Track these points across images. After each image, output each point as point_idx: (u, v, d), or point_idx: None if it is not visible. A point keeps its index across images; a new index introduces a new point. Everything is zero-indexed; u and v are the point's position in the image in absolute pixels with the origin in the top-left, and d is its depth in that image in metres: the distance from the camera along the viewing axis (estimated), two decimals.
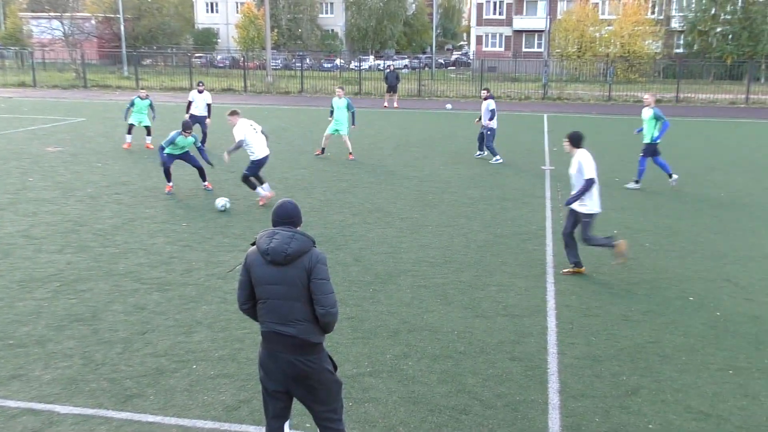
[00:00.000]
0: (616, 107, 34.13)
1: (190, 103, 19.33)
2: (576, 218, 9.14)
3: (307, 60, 56.33)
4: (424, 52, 72.48)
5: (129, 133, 19.19)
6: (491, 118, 17.85)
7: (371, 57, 64.94)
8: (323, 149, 18.67)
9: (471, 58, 67.03)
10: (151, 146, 18.97)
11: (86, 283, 8.72)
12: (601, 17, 57.07)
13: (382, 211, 12.61)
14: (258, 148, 12.68)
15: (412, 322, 7.68)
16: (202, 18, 77.41)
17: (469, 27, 79.09)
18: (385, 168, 16.96)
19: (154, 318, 7.68)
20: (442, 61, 69.67)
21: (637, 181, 14.84)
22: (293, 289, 4.34)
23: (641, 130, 14.94)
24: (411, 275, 9.22)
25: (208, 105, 19.33)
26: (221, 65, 58.08)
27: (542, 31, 63.00)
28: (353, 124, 18.82)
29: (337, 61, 59.61)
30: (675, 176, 14.85)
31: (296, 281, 4.33)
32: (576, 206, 9.06)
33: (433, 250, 10.36)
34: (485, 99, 18.09)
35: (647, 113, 14.53)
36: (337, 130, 18.31)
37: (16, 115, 26.76)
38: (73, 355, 6.73)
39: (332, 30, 74.41)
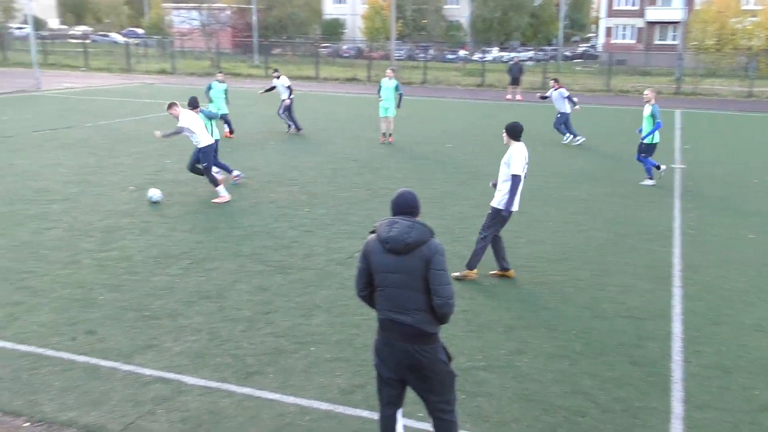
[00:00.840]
0: (758, 104, 32.09)
1: (272, 87, 20.89)
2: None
3: (431, 51, 56.38)
4: (549, 44, 70.79)
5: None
6: (573, 105, 19.43)
7: (495, 48, 64.13)
8: (384, 134, 19.17)
9: (599, 50, 64.88)
10: (230, 135, 19.36)
11: (214, 262, 9.16)
12: (744, 8, 53.67)
13: None
14: (203, 137, 12.29)
15: (528, 319, 7.57)
16: (330, 9, 78.99)
17: (598, 18, 76.54)
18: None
19: (275, 299, 7.97)
20: (568, 54, 67.79)
21: (650, 178, 14.42)
22: (411, 279, 4.37)
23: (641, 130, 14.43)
24: (527, 271, 9.08)
25: (288, 87, 20.40)
26: (346, 55, 59.11)
27: (677, 22, 60.01)
28: (398, 106, 19.09)
29: (461, 52, 59.29)
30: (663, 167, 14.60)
31: (414, 271, 4.36)
32: (495, 201, 8.62)
33: (550, 246, 10.15)
34: (556, 89, 19.44)
35: (647, 110, 14.06)
36: (386, 109, 18.88)
37: (156, 100, 28.36)
38: (200, 330, 7.10)
39: (457, 21, 73.99)
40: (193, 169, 12.85)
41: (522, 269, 9.12)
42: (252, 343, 6.83)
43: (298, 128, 20.47)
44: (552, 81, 20.18)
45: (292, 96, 20.50)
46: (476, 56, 55.87)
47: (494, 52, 60.98)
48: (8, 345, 6.65)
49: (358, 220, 11.26)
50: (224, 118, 19.05)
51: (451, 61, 55.51)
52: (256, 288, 8.29)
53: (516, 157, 8.38)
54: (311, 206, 12.10)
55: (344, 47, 63.08)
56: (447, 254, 4.49)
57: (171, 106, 12.28)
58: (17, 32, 62.59)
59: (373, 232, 4.57)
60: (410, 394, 4.90)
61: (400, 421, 4.80)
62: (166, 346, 6.73)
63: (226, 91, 19.23)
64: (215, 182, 12.29)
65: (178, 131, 12.26)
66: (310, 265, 9.13)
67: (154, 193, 12.05)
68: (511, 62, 34.06)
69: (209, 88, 18.97)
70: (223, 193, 12.22)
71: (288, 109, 20.50)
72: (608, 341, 7.05)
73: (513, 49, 62.36)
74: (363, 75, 41.78)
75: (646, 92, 14.44)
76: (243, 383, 6.07)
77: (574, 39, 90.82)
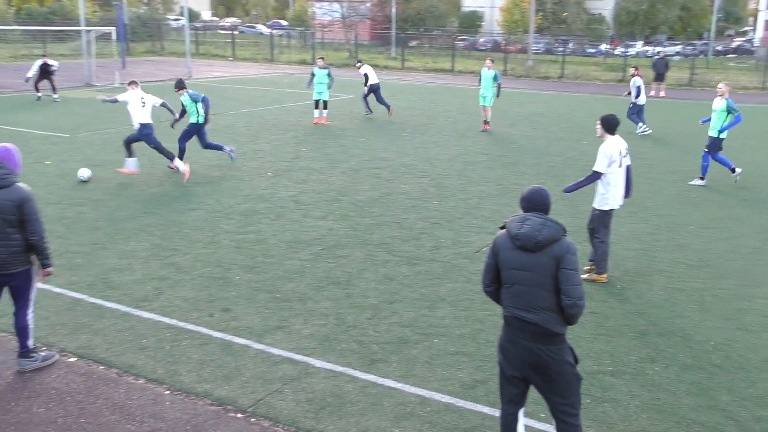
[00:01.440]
0: None
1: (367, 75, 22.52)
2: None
3: (570, 44, 54.82)
4: (700, 38, 66.95)
5: (316, 108, 20.45)
6: (637, 95, 19.79)
7: (639, 42, 61.41)
8: (485, 122, 19.83)
9: (755, 45, 60.63)
10: (327, 122, 20.14)
11: (344, 249, 9.38)
12: None
13: (637, 205, 11.96)
14: (138, 117, 12.94)
15: (662, 326, 7.23)
16: (469, 1, 78.51)
17: (756, 10, 71.52)
18: (645, 161, 16.04)
19: (401, 289, 8.06)
20: (720, 48, 63.86)
21: (701, 178, 13.84)
22: (540, 277, 4.30)
23: (708, 120, 13.72)
24: (665, 276, 8.67)
25: (365, 75, 22.49)
26: (483, 48, 58.59)
27: None
28: (497, 96, 19.72)
29: (602, 46, 57.26)
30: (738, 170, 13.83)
31: (544, 269, 4.28)
32: (596, 202, 8.28)
33: (691, 251, 9.64)
34: (633, 76, 20.20)
35: (719, 104, 13.24)
36: (484, 98, 19.64)
37: (296, 90, 29.34)
38: (328, 315, 7.30)
39: (599, 14, 71.46)
40: (206, 146, 13.86)
41: (659, 274, 8.73)
42: (377, 331, 6.95)
43: (378, 108, 22.79)
44: (632, 68, 21.03)
45: (368, 83, 22.36)
46: (618, 50, 53.75)
47: (638, 47, 58.44)
48: (154, 317, 7.12)
49: (487, 215, 11.17)
50: (320, 103, 20.43)
51: (591, 55, 53.76)
52: (382, 277, 8.42)
53: (603, 153, 8.10)
54: (441, 199, 12.13)
55: (481, 40, 62.55)
56: (579, 254, 4.38)
57: (130, 83, 13.34)
58: (173, 24, 66.58)
59: (503, 227, 4.53)
60: (533, 394, 4.83)
61: (522, 421, 4.73)
62: (295, 328, 6.98)
63: (329, 75, 20.31)
64: (171, 156, 13.14)
65: (114, 101, 13.31)
66: (437, 258, 9.16)
67: (84, 173, 12.67)
68: (656, 57, 32.53)
69: (312, 74, 20.27)
70: (182, 168, 12.94)
71: (368, 93, 22.63)
72: (751, 356, 6.62)
73: (659, 43, 59.41)
74: (499, 68, 41.15)
75: (720, 86, 13.66)
76: (367, 370, 6.19)
77: (728, 33, 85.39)
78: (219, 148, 14.16)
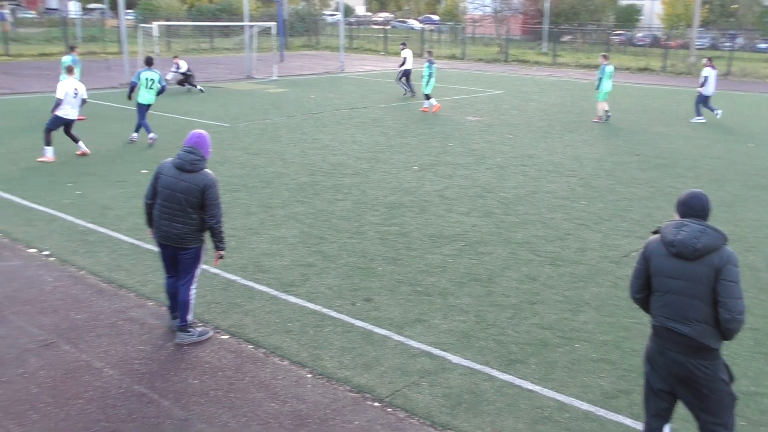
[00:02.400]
0: None
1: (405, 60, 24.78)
2: None
3: (739, 39, 51.24)
4: None
5: (428, 98, 21.36)
6: (703, 84, 20.24)
7: None
8: (605, 115, 20.28)
9: None
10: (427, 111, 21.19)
11: (486, 246, 9.32)
12: None
13: None
14: (66, 109, 13.43)
15: None
16: None
17: None
18: None
19: (544, 290, 7.90)
20: None
21: None
22: (696, 287, 4.07)
23: None
24: None
25: (404, 59, 24.84)
26: (640, 43, 55.98)
27: None
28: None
29: None
30: None
31: (701, 279, 4.05)
32: None
33: None
34: (706, 66, 20.55)
35: None
36: (607, 94, 20.15)
37: (444, 85, 29.39)
38: (468, 312, 7.29)
39: None
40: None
41: None
42: (517, 332, 6.86)
43: (411, 92, 25.02)
44: (706, 60, 21.26)
45: (403, 67, 24.90)
46: None
47: None
48: (300, 302, 7.41)
49: (638, 218, 10.70)
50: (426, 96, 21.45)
51: (762, 51, 49.97)
52: (525, 277, 8.29)
53: None
54: (589, 199, 11.75)
55: (639, 35, 59.78)
56: (740, 264, 4.11)
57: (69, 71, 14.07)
58: (329, 19, 68.63)
59: (656, 232, 4.32)
60: (681, 410, 4.59)
61: None
62: (434, 322, 7.02)
63: (429, 67, 21.39)
64: (47, 141, 13.57)
65: (57, 103, 13.49)
66: (582, 260, 8.89)
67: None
68: None
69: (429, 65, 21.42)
70: (49, 155, 13.43)
71: (404, 76, 25.15)
72: None
73: None
74: (657, 65, 39.31)
75: None
76: (505, 370, 6.13)
77: None
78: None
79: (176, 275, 6.51)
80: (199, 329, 6.62)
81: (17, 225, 9.61)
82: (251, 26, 32.37)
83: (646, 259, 4.31)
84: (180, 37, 46.11)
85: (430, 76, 21.30)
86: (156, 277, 7.89)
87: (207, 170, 6.22)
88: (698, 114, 20.73)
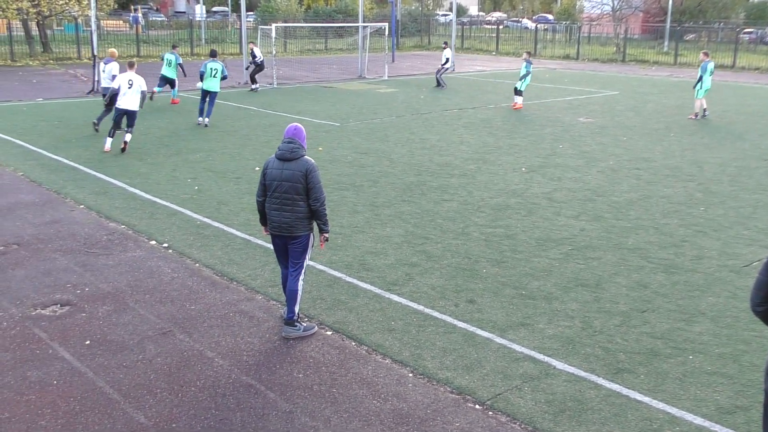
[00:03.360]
0: None
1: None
2: None
3: None
4: None
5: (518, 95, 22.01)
6: None
7: None
8: (701, 112, 20.25)
9: None
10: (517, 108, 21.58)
11: (595, 251, 9.06)
12: None
13: None
14: (124, 100, 14.32)
15: None
16: None
17: None
18: None
19: (655, 298, 7.59)
20: None
21: None
22: None
23: None
24: None
25: (447, 58, 27.28)
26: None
27: None
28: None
29: None
30: None
31: None
32: None
33: None
34: None
35: None
36: (706, 91, 20.10)
37: (557, 86, 28.79)
38: (574, 317, 7.11)
39: None
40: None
41: None
42: (625, 340, 6.63)
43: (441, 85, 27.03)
44: None
45: (446, 65, 27.34)
46: None
47: None
48: (403, 301, 7.46)
49: (762, 227, 10.09)
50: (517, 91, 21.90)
51: None
52: (635, 283, 7.99)
53: None
54: (708, 205, 11.19)
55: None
56: None
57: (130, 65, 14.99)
58: (441, 19, 68.63)
59: None
60: None
61: None
62: (539, 327, 6.89)
63: (526, 66, 21.58)
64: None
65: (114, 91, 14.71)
66: (699, 268, 8.48)
67: None
68: None
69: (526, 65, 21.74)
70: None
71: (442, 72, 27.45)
72: None
73: None
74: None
75: None
76: (612, 378, 5.94)
77: None
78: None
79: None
80: (305, 324, 6.81)
81: (141, 218, 10.18)
82: (364, 27, 32.84)
83: None
84: (296, 38, 47.39)
85: (527, 74, 21.65)
86: (265, 272, 8.16)
87: (307, 157, 6.55)
88: None
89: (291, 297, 6.66)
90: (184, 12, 70.63)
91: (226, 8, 63.56)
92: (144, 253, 8.80)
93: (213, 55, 18.79)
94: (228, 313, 7.17)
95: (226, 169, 13.22)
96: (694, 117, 20.25)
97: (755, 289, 4.17)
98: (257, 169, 13.03)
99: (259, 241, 9.14)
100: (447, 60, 27.42)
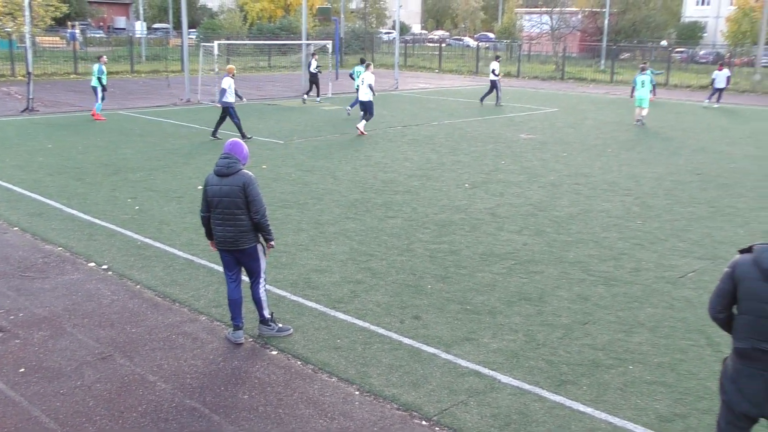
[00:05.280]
0: None
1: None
2: None
3: None
4: None
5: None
6: None
7: None
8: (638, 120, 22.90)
9: None
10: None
11: (537, 265, 9.20)
12: None
13: None
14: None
15: None
16: (691, 11, 73.94)
17: None
18: None
19: (596, 311, 7.75)
20: None
21: None
22: None
23: None
24: None
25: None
26: (703, 61, 54.78)
27: None
28: (654, 93, 23.62)
29: None
30: None
31: None
32: None
33: None
34: None
35: None
36: (641, 100, 22.57)
37: (499, 103, 29.26)
38: (518, 331, 7.20)
39: None
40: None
41: None
42: (568, 352, 6.74)
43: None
44: None
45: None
46: None
47: None
48: (349, 318, 7.43)
49: (696, 238, 10.42)
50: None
51: None
52: (576, 296, 8.15)
53: None
54: (645, 219, 11.51)
55: (701, 52, 58.52)
56: None
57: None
58: (385, 37, 69.21)
59: (744, 251, 4.18)
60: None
61: None
62: (483, 341, 6.95)
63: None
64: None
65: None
66: (637, 280, 8.70)
67: None
68: None
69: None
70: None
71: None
72: None
73: None
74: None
75: None
76: (555, 390, 6.03)
77: None
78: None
79: (236, 280, 6.84)
80: (279, 325, 7.02)
81: (79, 240, 9.92)
82: (308, 44, 32.88)
83: (734, 281, 4.15)
84: (240, 56, 47.12)
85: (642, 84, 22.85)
86: (209, 292, 8.04)
87: (244, 170, 6.59)
88: None
89: (257, 304, 6.91)
90: (124, 28, 69.55)
91: (167, 25, 62.79)
92: (82, 276, 8.57)
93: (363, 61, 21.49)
94: (170, 335, 7.03)
95: (168, 188, 13.01)
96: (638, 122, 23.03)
97: (716, 297, 4.27)
98: (200, 187, 12.84)
99: (203, 261, 9.00)
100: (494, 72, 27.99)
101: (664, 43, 60.10)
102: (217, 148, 16.59)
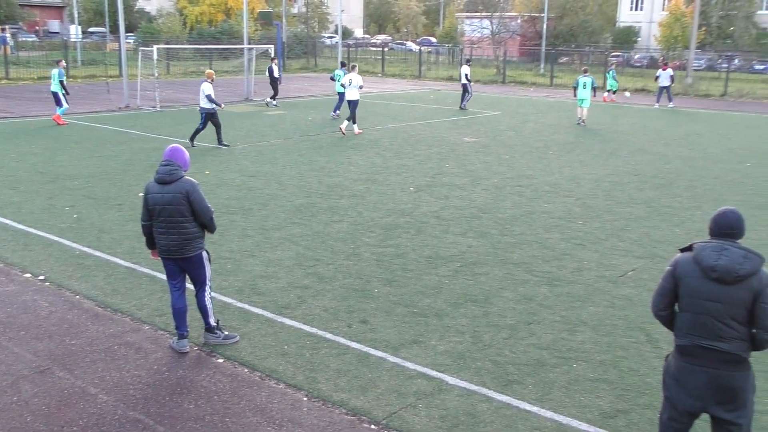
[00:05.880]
0: None
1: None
2: None
3: (736, 61, 51.55)
4: None
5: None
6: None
7: None
8: (579, 119, 24.27)
9: None
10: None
11: (483, 267, 9.30)
12: None
13: None
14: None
15: None
16: (625, 16, 75.86)
17: None
18: None
19: (540, 311, 7.88)
20: None
21: None
22: (733, 309, 4.06)
23: None
24: None
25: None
26: (638, 64, 56.35)
27: None
28: (594, 95, 24.73)
29: None
30: None
31: (739, 302, 4.04)
32: None
33: None
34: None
35: None
36: (582, 101, 23.97)
37: (442, 106, 29.54)
38: (464, 332, 7.26)
39: None
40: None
41: None
42: (513, 352, 6.83)
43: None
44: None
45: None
46: None
47: None
48: (296, 324, 7.38)
49: (635, 238, 10.70)
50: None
51: (759, 72, 50.26)
52: (521, 297, 8.27)
53: None
54: (586, 219, 11.76)
55: (636, 56, 60.18)
56: None
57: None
58: (327, 41, 69.10)
59: (685, 249, 4.28)
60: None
61: None
62: (431, 343, 6.99)
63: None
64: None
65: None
66: (579, 280, 8.88)
67: None
68: None
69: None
70: None
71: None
72: None
73: None
74: (654, 86, 39.45)
75: None
76: (502, 390, 6.10)
77: None
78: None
79: (180, 289, 6.72)
80: (225, 332, 6.89)
81: (14, 250, 9.61)
82: (250, 49, 32.58)
83: (676, 279, 4.25)
84: (180, 60, 46.41)
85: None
86: (152, 301, 7.88)
87: (186, 177, 6.46)
88: None
89: (203, 312, 6.77)
90: (58, 32, 67.72)
91: (103, 29, 61.40)
92: (17, 288, 8.30)
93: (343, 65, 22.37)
94: (112, 346, 6.86)
95: (108, 195, 12.71)
96: (580, 123, 24.24)
97: (658, 296, 4.37)
98: (141, 194, 12.59)
99: (145, 270, 8.82)
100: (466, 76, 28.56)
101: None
102: (161, 156, 16.27)
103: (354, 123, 21.12)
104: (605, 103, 32.62)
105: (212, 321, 6.83)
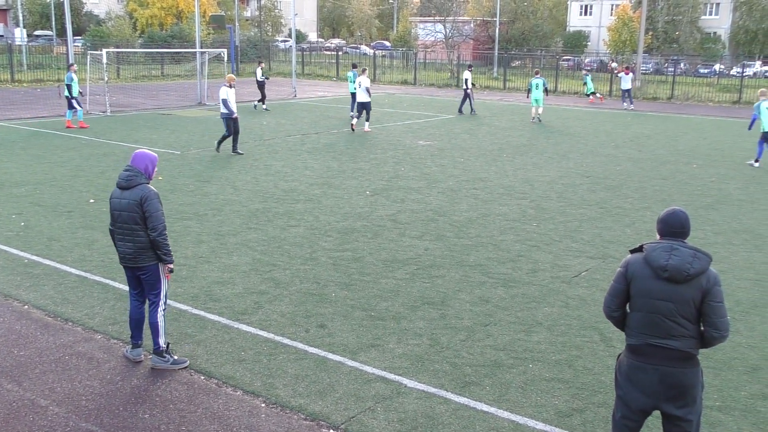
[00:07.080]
0: None
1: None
2: None
3: (682, 65, 52.89)
4: None
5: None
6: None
7: (758, 63, 58.51)
8: (533, 117, 26.36)
9: None
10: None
11: (439, 269, 9.35)
12: None
13: (751, 232, 11.38)
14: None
15: None
16: (575, 21, 77.30)
17: None
18: (762, 185, 15.26)
19: (496, 312, 7.95)
20: None
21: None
22: (683, 308, 4.14)
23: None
24: None
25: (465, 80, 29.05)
26: (588, 68, 57.39)
27: None
28: (547, 94, 27.27)
29: (716, 67, 54.92)
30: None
31: (688, 301, 4.13)
32: None
33: None
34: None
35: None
36: (536, 100, 26.11)
37: (396, 110, 29.65)
38: (422, 335, 7.28)
39: (714, 33, 68.73)
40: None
41: None
42: (471, 354, 6.88)
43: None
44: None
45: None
46: (734, 71, 51.38)
47: (756, 66, 55.70)
48: (253, 330, 7.31)
49: (588, 239, 10.88)
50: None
51: (704, 75, 51.64)
52: (478, 299, 8.33)
53: None
54: (539, 221, 11.91)
55: (586, 60, 61.30)
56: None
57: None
58: (281, 45, 68.72)
59: (635, 250, 4.35)
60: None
61: None
62: (389, 347, 7.00)
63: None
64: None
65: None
66: (534, 281, 8.99)
67: None
68: None
69: None
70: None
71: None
72: None
73: None
74: (604, 89, 40.30)
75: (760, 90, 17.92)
76: (460, 392, 6.13)
77: None
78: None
79: (140, 299, 6.56)
80: (175, 357, 6.58)
81: None
82: (202, 53, 32.22)
83: (627, 280, 4.31)
84: (131, 64, 45.64)
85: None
86: (104, 310, 7.72)
87: (145, 184, 6.30)
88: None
89: (153, 330, 6.48)
90: (2, 35, 66.01)
91: (50, 32, 60.04)
92: None
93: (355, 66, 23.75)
94: (63, 356, 6.70)
95: (57, 202, 12.42)
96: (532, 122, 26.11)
97: (610, 297, 4.43)
98: (92, 201, 12.35)
99: (97, 278, 8.64)
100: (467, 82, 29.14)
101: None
102: (112, 161, 15.98)
103: (364, 120, 22.80)
104: (591, 104, 35.15)
105: (162, 342, 6.47)
